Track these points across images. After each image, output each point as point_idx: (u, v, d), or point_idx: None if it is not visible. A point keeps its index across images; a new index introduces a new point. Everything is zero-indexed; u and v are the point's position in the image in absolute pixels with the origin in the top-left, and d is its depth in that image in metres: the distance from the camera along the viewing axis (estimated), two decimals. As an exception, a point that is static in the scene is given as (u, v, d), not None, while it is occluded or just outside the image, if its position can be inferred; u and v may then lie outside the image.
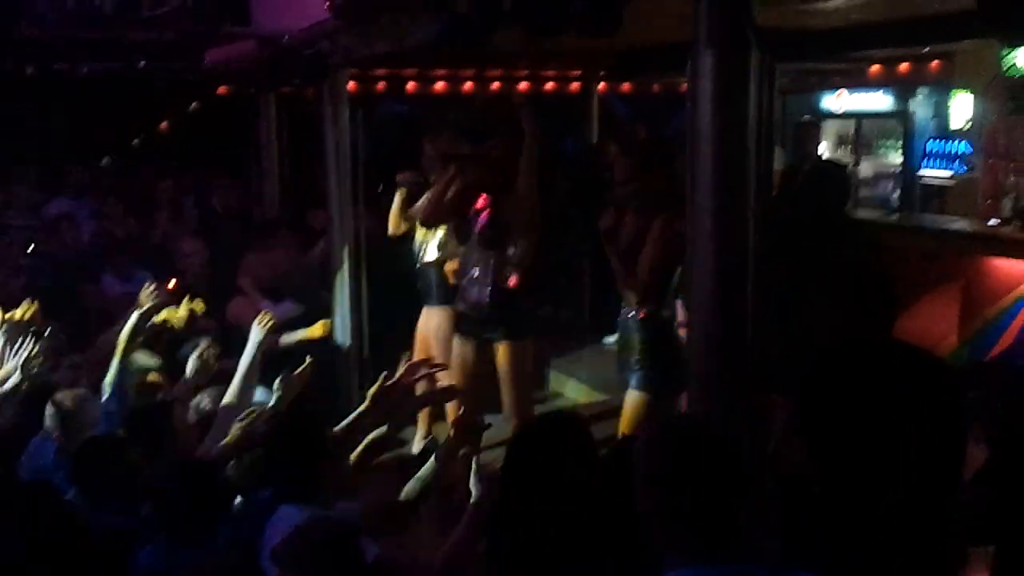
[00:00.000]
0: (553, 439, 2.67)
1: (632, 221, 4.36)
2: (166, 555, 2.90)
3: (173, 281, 5.63)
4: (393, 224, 5.67)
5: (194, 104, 10.28)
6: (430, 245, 5.46)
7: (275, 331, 4.87)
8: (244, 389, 4.07)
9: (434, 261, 5.41)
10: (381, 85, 10.12)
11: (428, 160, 5.41)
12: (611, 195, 4.51)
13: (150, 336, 4.63)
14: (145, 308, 4.38)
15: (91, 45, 6.45)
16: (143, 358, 4.66)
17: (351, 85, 6.43)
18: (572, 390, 7.09)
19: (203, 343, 4.70)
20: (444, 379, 4.60)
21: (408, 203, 5.49)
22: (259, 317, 4.39)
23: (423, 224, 5.18)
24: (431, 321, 5.45)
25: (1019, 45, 5.74)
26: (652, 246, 4.24)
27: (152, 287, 5.00)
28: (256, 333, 4.31)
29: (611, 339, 8.31)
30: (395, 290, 5.94)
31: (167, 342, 4.94)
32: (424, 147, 5.46)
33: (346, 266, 6.07)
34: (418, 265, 5.54)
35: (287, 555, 2.48)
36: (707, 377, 3.30)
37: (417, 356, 5.57)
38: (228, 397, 4.06)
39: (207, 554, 2.91)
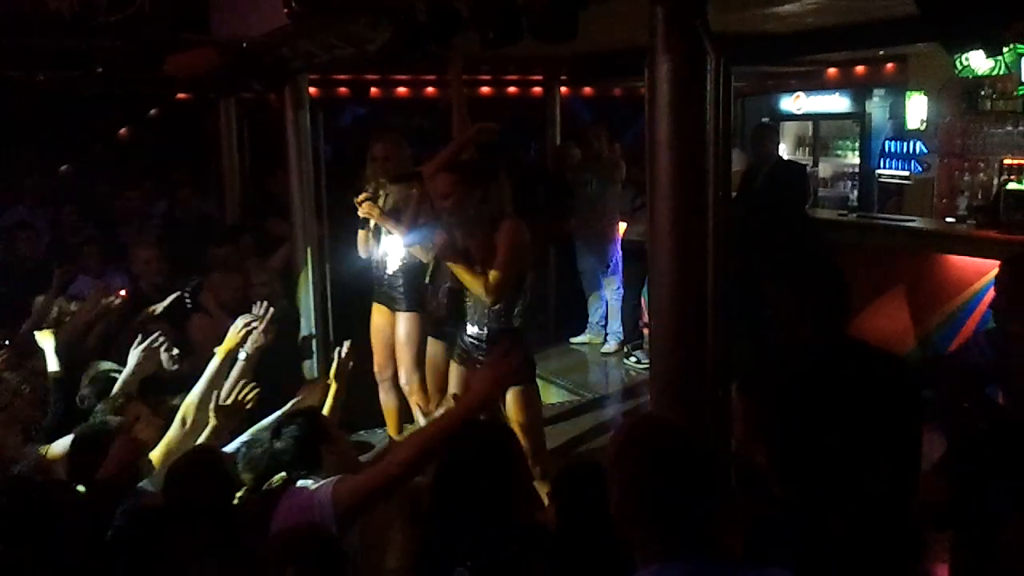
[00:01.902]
0: (483, 450, 2.68)
1: (460, 236, 4.34)
2: None
3: (123, 291, 5.58)
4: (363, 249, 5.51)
5: (153, 110, 10.19)
6: (392, 254, 5.36)
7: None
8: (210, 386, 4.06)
9: (399, 268, 5.33)
10: (343, 90, 10.11)
11: (378, 163, 5.33)
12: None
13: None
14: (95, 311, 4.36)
15: (47, 51, 6.36)
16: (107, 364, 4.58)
17: (312, 90, 6.42)
18: (540, 390, 7.10)
19: (157, 338, 4.59)
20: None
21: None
22: (238, 321, 4.40)
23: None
24: (401, 327, 5.39)
25: (960, 51, 5.86)
26: (501, 254, 4.24)
27: (96, 292, 5.00)
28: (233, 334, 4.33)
29: (578, 339, 8.42)
30: (353, 291, 5.93)
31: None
32: (373, 147, 5.38)
33: (310, 270, 6.07)
34: (386, 274, 5.40)
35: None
36: (668, 377, 3.35)
37: (381, 359, 5.56)
38: (192, 395, 4.05)
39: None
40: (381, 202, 5.20)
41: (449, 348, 4.80)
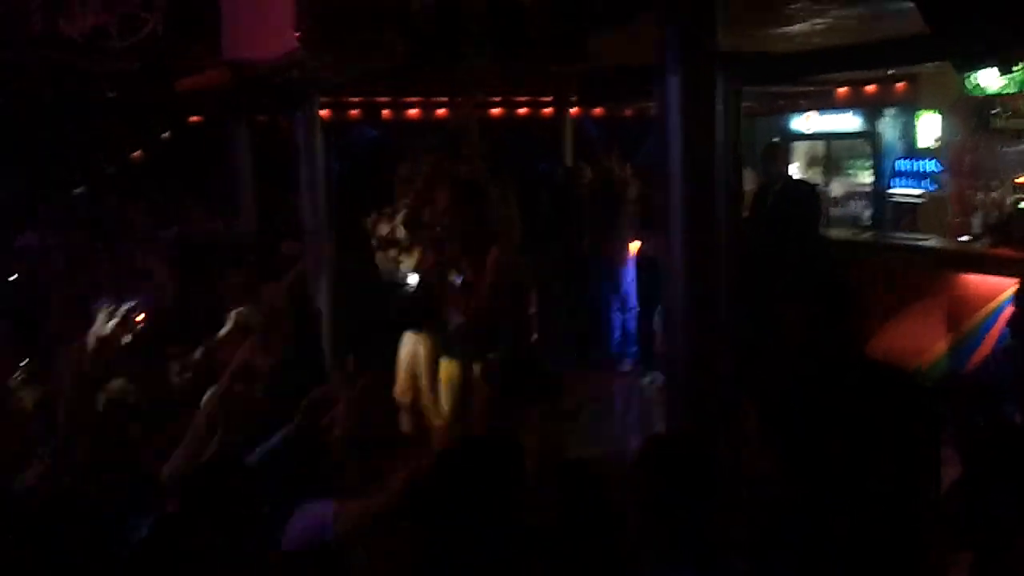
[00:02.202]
0: (486, 462, 2.66)
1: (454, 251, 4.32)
2: None
3: (142, 315, 5.58)
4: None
5: (166, 133, 10.25)
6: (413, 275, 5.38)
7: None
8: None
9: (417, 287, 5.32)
10: (354, 112, 10.16)
11: (402, 182, 5.38)
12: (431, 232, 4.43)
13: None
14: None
15: (60, 72, 6.42)
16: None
17: (324, 112, 6.46)
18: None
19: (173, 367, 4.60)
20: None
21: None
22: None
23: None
24: (415, 346, 5.38)
25: (970, 69, 5.87)
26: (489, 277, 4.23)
27: (111, 309, 4.99)
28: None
29: (593, 359, 8.37)
30: (365, 311, 5.93)
31: None
32: (399, 170, 5.43)
33: (324, 291, 6.08)
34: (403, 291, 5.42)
35: None
36: (682, 394, 3.33)
37: (403, 383, 5.53)
38: None
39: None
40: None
41: (466, 366, 4.81)
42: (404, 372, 5.51)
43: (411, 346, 5.48)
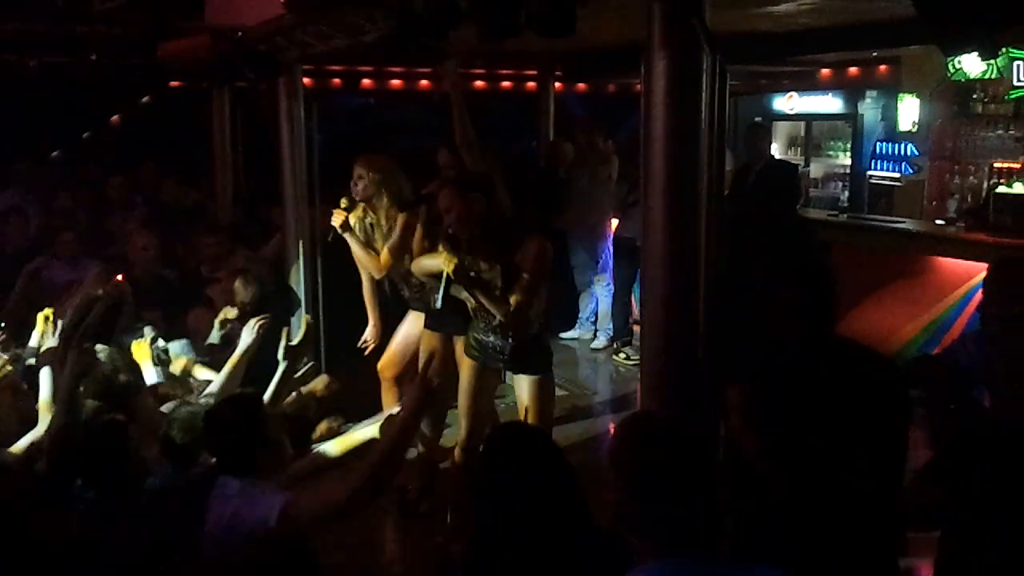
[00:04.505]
0: (524, 450, 2.63)
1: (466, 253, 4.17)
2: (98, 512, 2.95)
3: (120, 276, 5.55)
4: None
5: (146, 98, 10.15)
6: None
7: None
8: (226, 391, 3.95)
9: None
10: (336, 81, 10.09)
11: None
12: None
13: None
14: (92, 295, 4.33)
15: (41, 38, 6.34)
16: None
17: (306, 80, 6.41)
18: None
19: (147, 331, 4.61)
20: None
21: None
22: (251, 322, 4.33)
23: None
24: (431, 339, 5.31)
25: (956, 53, 5.89)
26: (527, 277, 4.12)
27: (99, 272, 4.97)
28: (247, 336, 4.27)
29: (568, 335, 8.43)
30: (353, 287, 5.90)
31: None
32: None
33: (301, 260, 6.06)
34: (411, 284, 5.32)
35: None
36: (659, 373, 3.37)
37: (391, 356, 5.42)
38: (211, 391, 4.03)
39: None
40: (363, 219, 5.10)
41: (446, 340, 4.80)
42: (396, 346, 5.45)
43: (414, 324, 5.38)
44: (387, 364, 5.47)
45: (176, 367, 4.66)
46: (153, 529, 2.95)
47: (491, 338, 4.37)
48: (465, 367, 4.56)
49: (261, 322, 4.32)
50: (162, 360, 4.54)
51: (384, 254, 4.99)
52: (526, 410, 4.30)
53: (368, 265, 5.09)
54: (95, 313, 4.37)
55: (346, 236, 5.03)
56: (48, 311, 4.37)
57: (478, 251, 4.17)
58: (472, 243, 4.16)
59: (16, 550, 2.55)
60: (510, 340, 4.31)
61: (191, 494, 2.98)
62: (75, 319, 4.14)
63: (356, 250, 5.07)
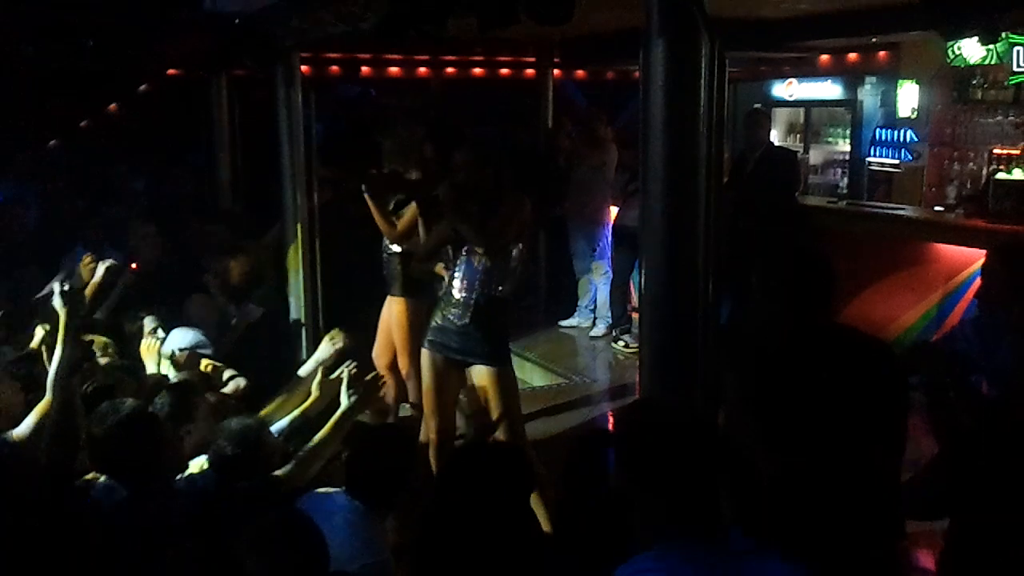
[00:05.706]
0: (491, 471, 2.65)
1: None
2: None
3: (134, 264, 5.57)
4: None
5: (144, 86, 10.10)
6: None
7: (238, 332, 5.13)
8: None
9: (397, 252, 5.27)
10: (334, 68, 10.06)
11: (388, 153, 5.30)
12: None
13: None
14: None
15: (38, 26, 6.31)
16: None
17: (304, 68, 6.39)
18: (529, 372, 7.14)
19: (147, 322, 4.59)
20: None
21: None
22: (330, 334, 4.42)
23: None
24: (390, 309, 5.39)
25: (957, 38, 5.88)
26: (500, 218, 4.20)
27: (89, 260, 4.98)
28: (323, 350, 4.32)
29: (567, 322, 8.44)
30: (353, 273, 5.91)
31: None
32: (425, 149, 5.36)
33: (299, 250, 6.07)
34: (384, 254, 5.37)
35: None
36: (658, 361, 3.37)
37: (379, 345, 5.54)
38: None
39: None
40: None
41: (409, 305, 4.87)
42: (382, 335, 5.51)
43: (387, 309, 5.46)
44: (379, 353, 5.53)
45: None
46: (190, 531, 2.94)
47: (452, 312, 4.32)
48: (425, 366, 4.48)
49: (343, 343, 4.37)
50: (175, 363, 4.45)
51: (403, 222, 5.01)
52: (493, 407, 4.21)
53: (385, 231, 5.12)
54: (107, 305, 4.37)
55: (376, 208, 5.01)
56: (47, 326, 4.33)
57: (488, 212, 4.22)
58: (481, 205, 4.21)
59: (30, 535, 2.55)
60: (474, 300, 4.25)
61: (237, 506, 3.00)
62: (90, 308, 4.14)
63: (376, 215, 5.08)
